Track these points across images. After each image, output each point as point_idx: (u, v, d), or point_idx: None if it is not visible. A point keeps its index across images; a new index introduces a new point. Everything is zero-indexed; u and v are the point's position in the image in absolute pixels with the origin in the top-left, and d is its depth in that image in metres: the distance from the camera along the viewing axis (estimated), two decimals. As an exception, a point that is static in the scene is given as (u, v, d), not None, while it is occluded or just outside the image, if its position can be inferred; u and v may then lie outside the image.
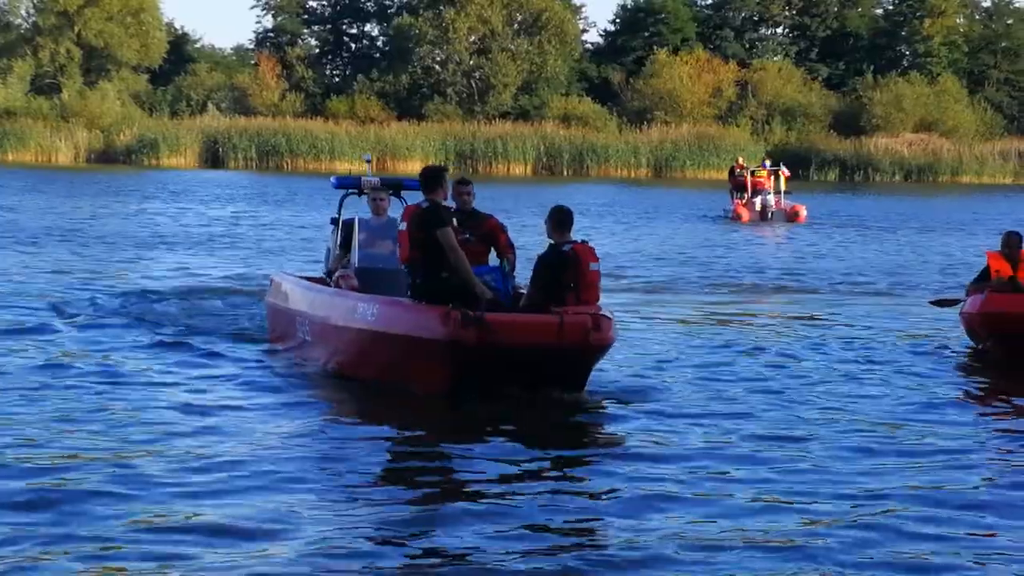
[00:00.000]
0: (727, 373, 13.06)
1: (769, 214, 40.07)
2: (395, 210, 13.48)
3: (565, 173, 73.92)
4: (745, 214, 40.08)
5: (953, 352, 15.11)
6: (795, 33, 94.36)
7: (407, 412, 10.94)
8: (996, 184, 77.32)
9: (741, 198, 41.17)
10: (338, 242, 13.58)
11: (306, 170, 71.15)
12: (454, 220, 11.75)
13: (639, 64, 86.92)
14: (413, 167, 73.15)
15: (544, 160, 75.65)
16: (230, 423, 10.26)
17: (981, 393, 12.94)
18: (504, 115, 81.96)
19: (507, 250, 12.39)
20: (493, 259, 12.53)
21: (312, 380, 12.23)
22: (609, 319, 11.20)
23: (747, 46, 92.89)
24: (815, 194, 56.66)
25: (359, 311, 11.77)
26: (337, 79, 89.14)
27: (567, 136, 76.74)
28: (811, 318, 18.04)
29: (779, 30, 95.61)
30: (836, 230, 37.05)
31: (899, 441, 10.32)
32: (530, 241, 20.29)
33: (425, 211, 11.61)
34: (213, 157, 73.39)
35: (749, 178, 41.34)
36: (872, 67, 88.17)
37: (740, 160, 45.63)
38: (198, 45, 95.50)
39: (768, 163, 44.35)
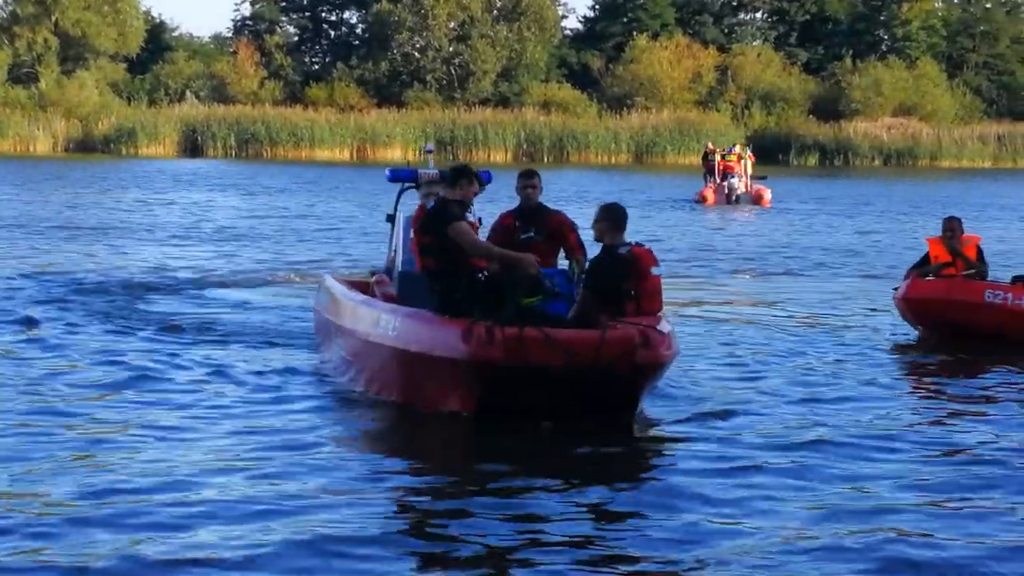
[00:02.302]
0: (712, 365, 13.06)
1: (735, 197, 40.55)
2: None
3: (545, 160, 73.87)
4: (710, 197, 40.75)
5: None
6: (774, 18, 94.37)
7: (427, 435, 9.95)
8: (975, 168, 77.51)
9: (714, 182, 41.75)
10: (393, 242, 12.33)
11: (285, 158, 71.01)
12: (470, 215, 10.59)
13: (618, 50, 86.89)
14: (393, 155, 73.05)
15: (524, 147, 75.59)
16: (236, 429, 9.76)
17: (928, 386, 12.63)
18: (484, 102, 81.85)
19: (577, 250, 10.96)
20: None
21: (336, 396, 11.08)
22: (663, 334, 9.71)
23: (726, 31, 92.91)
24: (795, 179, 56.84)
25: (381, 323, 10.48)
26: (316, 66, 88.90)
27: (547, 123, 76.71)
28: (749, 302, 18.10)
29: (758, 15, 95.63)
30: (799, 214, 37.20)
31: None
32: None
33: (428, 212, 10.49)
34: (192, 146, 73.18)
35: (720, 162, 42.01)
36: (851, 52, 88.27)
37: (711, 144, 46.33)
38: (176, 33, 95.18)
39: (736, 147, 44.93)
